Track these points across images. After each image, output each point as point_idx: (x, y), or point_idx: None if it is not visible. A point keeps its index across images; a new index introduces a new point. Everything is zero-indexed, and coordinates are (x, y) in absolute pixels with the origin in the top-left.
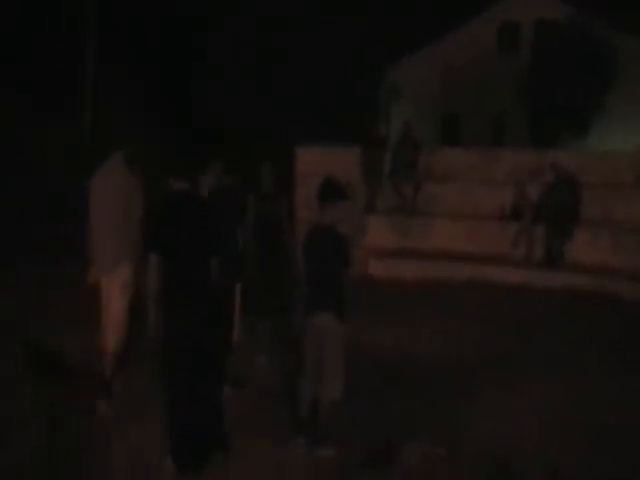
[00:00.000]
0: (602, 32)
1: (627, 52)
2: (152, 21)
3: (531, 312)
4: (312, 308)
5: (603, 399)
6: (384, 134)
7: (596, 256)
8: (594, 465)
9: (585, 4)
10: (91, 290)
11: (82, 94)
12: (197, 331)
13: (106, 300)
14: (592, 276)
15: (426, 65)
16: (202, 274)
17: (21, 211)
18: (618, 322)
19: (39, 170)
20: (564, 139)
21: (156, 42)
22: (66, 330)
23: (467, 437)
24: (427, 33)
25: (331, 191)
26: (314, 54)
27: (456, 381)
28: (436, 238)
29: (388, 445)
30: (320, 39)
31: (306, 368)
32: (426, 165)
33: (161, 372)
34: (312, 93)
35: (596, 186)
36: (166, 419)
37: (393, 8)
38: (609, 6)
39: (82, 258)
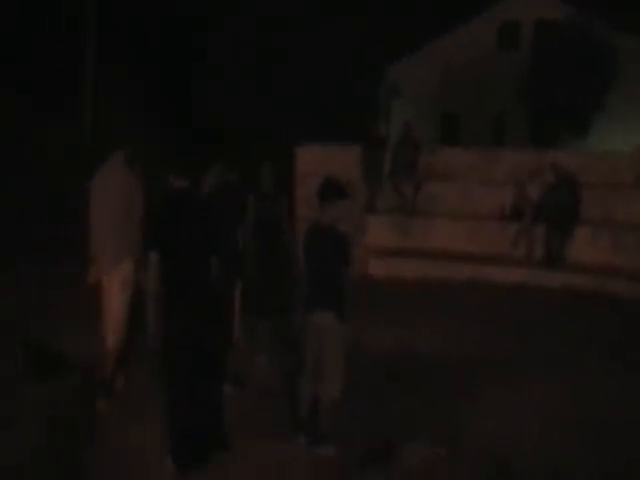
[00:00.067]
0: (602, 32)
1: (627, 52)
2: (152, 21)
3: (531, 312)
4: (312, 307)
5: (603, 399)
6: (384, 134)
7: (596, 256)
8: (594, 465)
9: (585, 4)
10: (91, 290)
11: (82, 94)
12: (197, 330)
13: (107, 300)
14: (592, 276)
15: (426, 65)
16: (202, 272)
17: (21, 211)
18: (618, 322)
19: (39, 170)
20: (564, 139)
21: (156, 42)
22: (66, 330)
23: (467, 437)
24: (427, 33)
25: (331, 190)
26: (314, 54)
27: (456, 381)
28: (436, 238)
29: (388, 445)
30: (320, 39)
31: (306, 367)
32: (426, 165)
33: (161, 371)
34: (312, 93)
35: (596, 186)
36: (166, 419)
37: (393, 8)
38: (609, 6)
39: (82, 258)
